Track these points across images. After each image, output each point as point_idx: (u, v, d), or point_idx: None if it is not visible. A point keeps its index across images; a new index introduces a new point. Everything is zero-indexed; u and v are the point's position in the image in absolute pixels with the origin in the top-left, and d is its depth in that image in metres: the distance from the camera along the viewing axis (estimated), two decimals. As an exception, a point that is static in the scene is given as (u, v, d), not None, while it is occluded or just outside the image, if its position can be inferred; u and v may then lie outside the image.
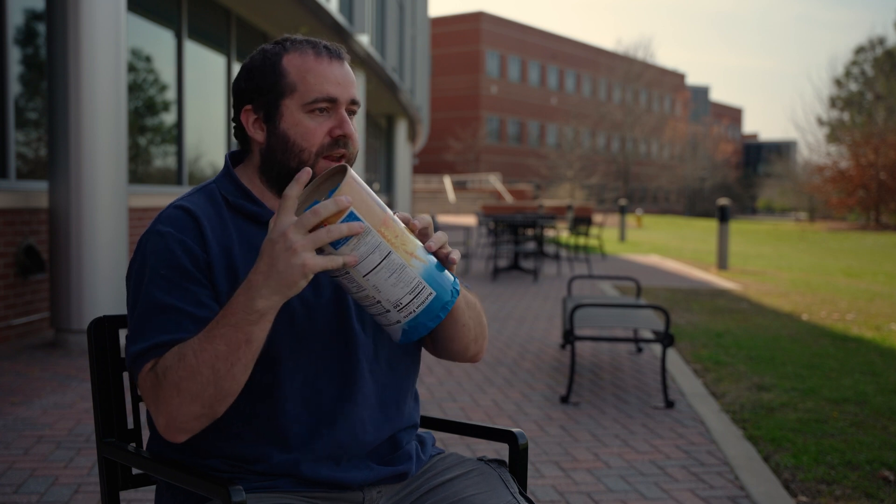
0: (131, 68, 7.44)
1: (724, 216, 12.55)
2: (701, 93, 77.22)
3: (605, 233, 21.55)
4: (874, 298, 9.65)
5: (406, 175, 26.49)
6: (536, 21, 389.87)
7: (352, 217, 1.15)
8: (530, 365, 5.35)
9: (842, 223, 41.44)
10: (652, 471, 3.35)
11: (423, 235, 1.27)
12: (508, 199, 36.84)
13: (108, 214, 5.30)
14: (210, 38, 9.21)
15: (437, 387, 4.68)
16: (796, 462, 3.46)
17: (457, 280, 1.28)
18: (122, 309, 5.14)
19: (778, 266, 14.40)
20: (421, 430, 1.59)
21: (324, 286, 1.39)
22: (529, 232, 12.65)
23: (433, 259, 1.24)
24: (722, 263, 12.81)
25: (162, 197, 7.61)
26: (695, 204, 63.44)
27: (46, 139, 5.61)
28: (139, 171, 7.72)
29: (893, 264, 15.77)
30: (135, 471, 1.55)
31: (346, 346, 1.38)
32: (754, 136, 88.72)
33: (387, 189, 25.11)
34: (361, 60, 13.15)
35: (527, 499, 1.47)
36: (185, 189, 8.26)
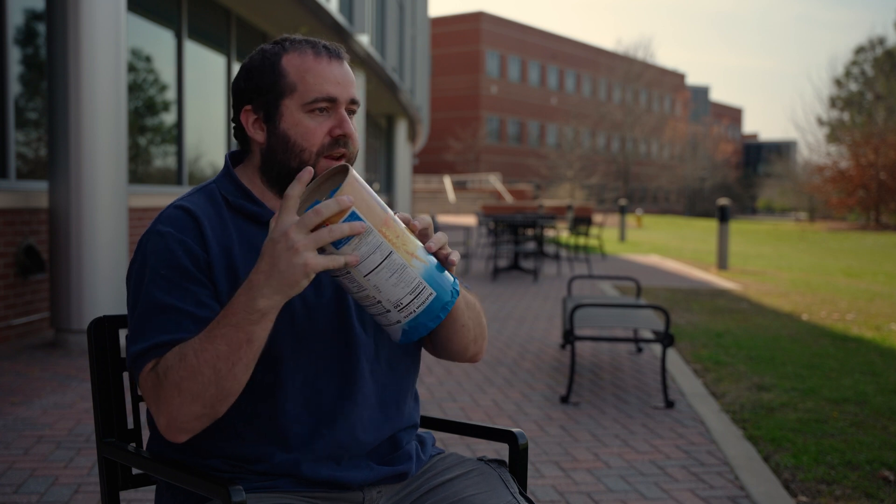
0: (131, 68, 7.45)
1: (724, 216, 12.55)
2: (701, 93, 77.22)
3: (605, 233, 21.55)
4: (874, 298, 9.65)
5: (406, 175, 26.50)
6: (536, 21, 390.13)
7: (353, 217, 1.15)
8: (530, 365, 5.35)
9: (842, 223, 41.44)
10: (652, 471, 3.35)
11: (423, 236, 1.27)
12: (508, 199, 36.84)
13: (108, 214, 5.30)
14: (210, 38, 9.21)
15: (437, 387, 4.68)
16: (796, 462, 3.46)
17: (456, 280, 1.28)
18: (122, 309, 5.13)
19: (778, 266, 14.40)
20: (421, 430, 1.59)
21: (324, 286, 1.39)
22: (529, 232, 12.65)
23: (433, 259, 1.24)
24: (722, 263, 12.81)
25: (162, 197, 7.61)
26: (695, 204, 63.45)
27: (46, 139, 5.61)
28: (139, 171, 7.72)
29: (893, 264, 15.77)
30: (135, 471, 1.55)
31: (346, 346, 1.39)
32: (754, 136, 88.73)
33: (387, 189, 25.12)
34: (361, 60, 13.15)
35: (527, 499, 1.47)
36: (185, 189, 8.26)
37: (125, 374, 1.58)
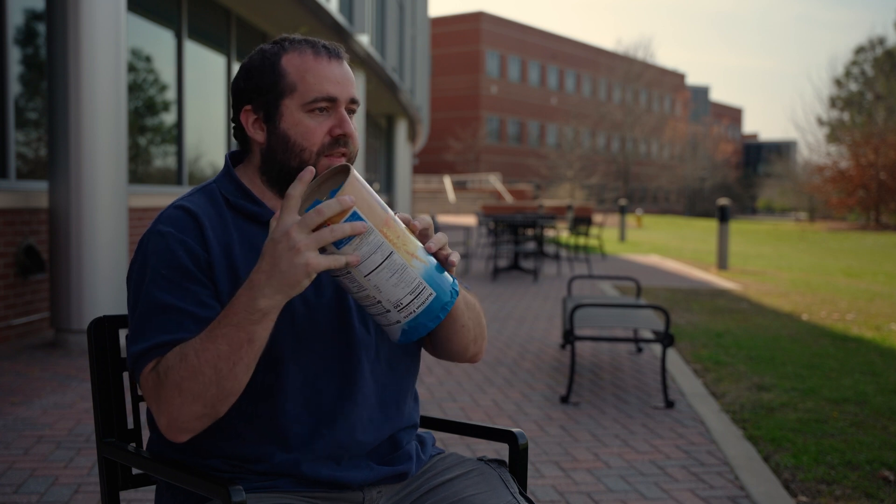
0: (131, 68, 7.45)
1: (724, 216, 12.55)
2: (701, 93, 77.22)
3: (605, 233, 21.55)
4: (874, 298, 9.65)
5: (406, 175, 26.50)
6: (536, 21, 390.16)
7: (355, 217, 1.15)
8: (530, 365, 5.35)
9: (842, 223, 41.44)
10: (652, 471, 3.35)
11: (423, 236, 1.27)
12: (508, 199, 36.84)
13: (108, 214, 5.30)
14: (210, 38, 9.21)
15: (437, 387, 4.68)
16: (796, 462, 3.46)
17: (456, 281, 1.28)
18: (122, 309, 5.14)
19: (778, 266, 14.40)
20: (421, 430, 1.59)
21: (325, 286, 1.39)
22: (529, 232, 12.65)
23: (433, 260, 1.24)
24: (722, 263, 12.81)
25: (162, 197, 7.61)
26: (695, 204, 63.45)
27: (46, 139, 5.61)
28: (139, 171, 7.73)
29: (893, 264, 15.78)
30: (135, 471, 1.55)
31: (346, 346, 1.39)
32: (754, 136, 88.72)
33: (387, 189, 25.12)
34: (361, 60, 13.15)
35: (527, 499, 1.47)
36: (185, 189, 8.26)
37: (125, 374, 1.58)
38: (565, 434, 3.82)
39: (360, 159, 15.22)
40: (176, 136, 8.36)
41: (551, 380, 4.93)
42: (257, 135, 1.40)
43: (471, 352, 1.50)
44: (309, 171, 1.17)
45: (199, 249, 1.32)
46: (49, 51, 5.28)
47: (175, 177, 8.38)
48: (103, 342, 1.54)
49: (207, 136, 9.32)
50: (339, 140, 1.38)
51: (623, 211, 21.49)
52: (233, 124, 1.45)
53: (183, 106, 8.30)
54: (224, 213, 1.38)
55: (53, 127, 5.25)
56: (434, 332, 1.46)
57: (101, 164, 5.26)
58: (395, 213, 1.25)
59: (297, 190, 1.16)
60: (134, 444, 1.58)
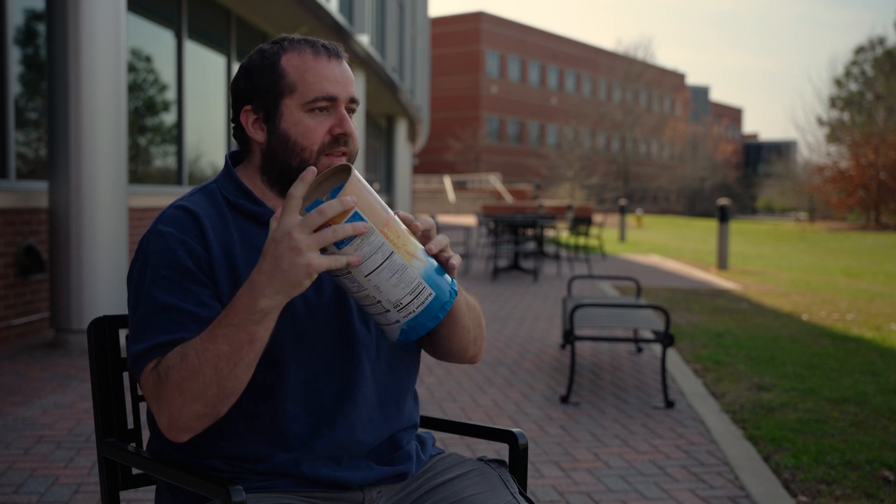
0: (131, 68, 7.45)
1: (724, 216, 12.55)
2: (701, 93, 77.22)
3: (605, 233, 21.55)
4: (874, 298, 9.65)
5: (406, 175, 26.50)
6: (536, 21, 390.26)
7: (356, 217, 1.15)
8: (530, 365, 5.35)
9: (842, 223, 41.44)
10: (652, 471, 3.35)
11: (425, 237, 1.27)
12: (508, 199, 36.84)
13: (108, 214, 5.30)
14: (210, 38, 9.21)
15: (437, 387, 4.68)
16: (796, 462, 3.46)
17: (454, 281, 1.29)
18: (122, 309, 5.14)
19: (778, 266, 14.40)
20: (421, 430, 1.59)
21: (325, 285, 1.39)
22: (529, 232, 12.65)
23: (433, 260, 1.24)
24: (722, 263, 12.81)
25: (162, 197, 7.61)
26: (695, 204, 63.44)
27: (46, 139, 5.61)
28: (139, 171, 7.72)
29: (893, 264, 15.78)
30: (135, 471, 1.55)
31: (347, 346, 1.39)
32: (754, 136, 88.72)
33: (387, 189, 25.12)
34: (361, 60, 13.15)
35: (527, 499, 1.47)
36: (185, 189, 8.26)
37: (125, 374, 1.58)
38: (565, 434, 3.82)
39: (360, 159, 15.22)
40: (176, 136, 8.36)
41: (551, 380, 4.93)
42: (257, 135, 1.40)
43: (470, 353, 1.50)
44: (311, 172, 1.17)
45: (199, 249, 1.32)
46: (49, 51, 5.28)
47: (175, 177, 8.38)
48: (103, 342, 1.54)
49: (207, 136, 9.32)
50: (340, 139, 1.38)
51: (623, 211, 21.49)
52: (232, 124, 1.45)
53: (183, 106, 8.30)
54: (224, 213, 1.38)
55: (53, 127, 5.25)
56: (435, 333, 1.46)
57: (101, 164, 5.26)
58: (398, 213, 1.25)
59: (299, 190, 1.16)
60: (134, 444, 1.58)
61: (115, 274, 5.33)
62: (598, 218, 25.98)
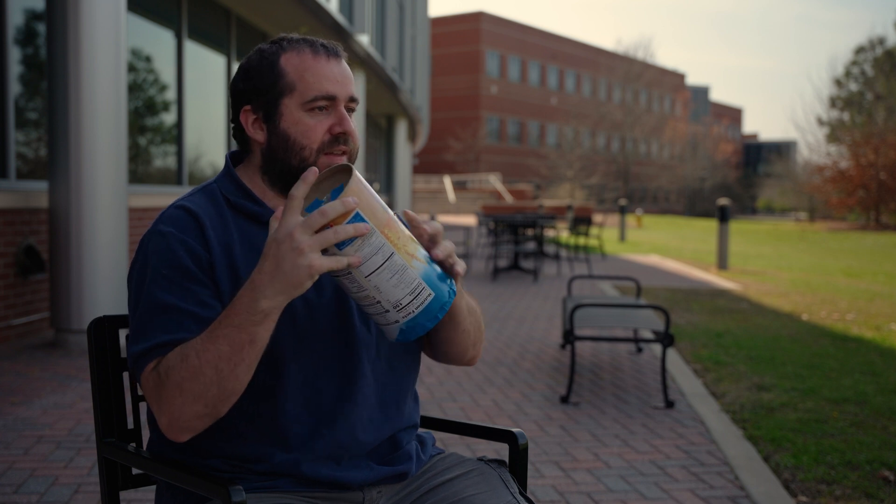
0: (131, 68, 7.44)
1: (724, 216, 12.55)
2: (701, 93, 77.22)
3: (605, 233, 21.55)
4: (874, 298, 9.65)
5: (406, 175, 26.50)
6: (536, 21, 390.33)
7: (357, 218, 1.15)
8: (530, 365, 5.35)
9: (842, 223, 41.44)
10: (652, 471, 3.35)
11: (432, 243, 1.27)
12: (508, 199, 36.84)
13: (108, 214, 5.30)
14: (210, 38, 9.21)
15: (437, 387, 4.68)
16: (796, 462, 3.46)
17: (453, 281, 1.29)
18: (122, 309, 5.14)
19: (778, 266, 14.40)
20: (421, 430, 1.59)
21: (325, 285, 1.39)
22: (529, 232, 12.65)
23: (432, 260, 1.25)
24: (722, 263, 12.81)
25: (162, 197, 7.61)
26: (695, 204, 63.44)
27: (46, 139, 5.61)
28: (139, 171, 7.73)
29: (893, 264, 15.78)
30: (135, 471, 1.55)
31: (347, 346, 1.39)
32: (754, 136, 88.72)
33: (387, 189, 25.12)
34: (361, 60, 13.15)
35: (527, 499, 1.48)
36: (185, 189, 8.26)
37: (125, 374, 1.58)
38: (565, 434, 3.82)
39: (360, 159, 15.22)
40: (176, 136, 8.36)
41: (551, 380, 4.93)
42: (257, 135, 1.40)
43: (469, 355, 1.51)
44: (312, 172, 1.17)
45: (199, 249, 1.31)
46: (49, 51, 5.28)
47: (175, 177, 8.38)
48: (103, 342, 1.54)
49: (207, 136, 9.32)
50: (339, 138, 1.38)
51: (623, 211, 21.49)
52: (232, 125, 1.45)
53: (183, 106, 8.30)
54: (225, 213, 1.38)
55: (53, 127, 5.25)
56: (436, 336, 1.47)
57: (101, 164, 5.26)
58: (406, 213, 1.26)
59: (301, 191, 1.16)
60: (134, 444, 1.58)
61: (115, 274, 5.33)
62: (598, 218, 25.98)
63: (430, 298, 1.21)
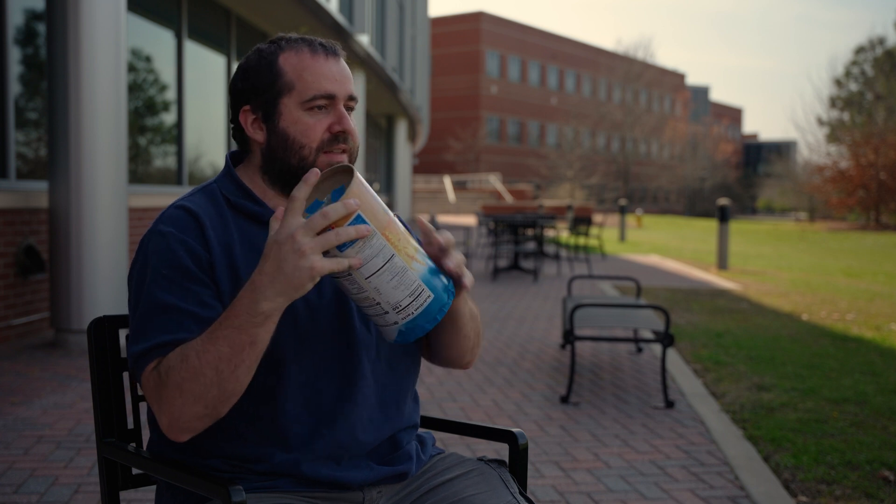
0: (131, 68, 7.44)
1: (724, 216, 12.55)
2: (701, 93, 77.22)
3: (605, 233, 21.55)
4: (874, 298, 9.65)
5: (406, 175, 26.49)
6: (536, 21, 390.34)
7: (358, 220, 1.15)
8: (530, 365, 5.35)
9: (842, 223, 41.44)
10: (652, 471, 3.35)
11: (443, 253, 1.27)
12: (508, 199, 36.84)
13: (108, 214, 5.30)
14: (210, 38, 9.21)
15: (437, 387, 4.68)
16: (796, 462, 3.46)
17: (451, 282, 1.29)
18: (122, 309, 5.14)
19: (778, 266, 14.40)
20: (421, 430, 1.59)
21: (325, 286, 1.39)
22: (529, 232, 12.65)
23: (431, 262, 1.25)
24: (722, 263, 12.81)
25: (162, 197, 7.61)
26: (695, 204, 63.44)
27: (46, 139, 5.61)
28: (139, 171, 7.72)
29: (893, 264, 15.78)
30: (135, 471, 1.55)
31: (347, 347, 1.39)
32: (754, 136, 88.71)
33: (387, 189, 25.12)
34: (361, 60, 13.15)
35: (527, 499, 1.48)
36: (185, 189, 8.26)
37: (125, 374, 1.58)
38: (565, 434, 3.82)
39: (360, 159, 15.22)
40: (176, 136, 8.36)
41: (551, 380, 4.93)
42: (257, 134, 1.40)
43: (466, 359, 1.52)
44: (314, 174, 1.17)
45: (200, 249, 1.31)
46: (49, 51, 5.28)
47: (175, 177, 8.38)
48: (103, 342, 1.54)
49: (207, 136, 9.32)
50: (339, 136, 1.38)
51: (623, 211, 21.49)
52: (232, 125, 1.45)
53: (183, 106, 8.30)
54: (225, 213, 1.38)
55: (53, 127, 5.25)
56: (436, 340, 1.47)
57: (101, 164, 5.26)
58: (419, 222, 1.26)
59: (302, 192, 1.16)
60: (134, 444, 1.58)
61: (115, 274, 5.33)
62: (598, 218, 25.98)
63: (429, 300, 1.21)
